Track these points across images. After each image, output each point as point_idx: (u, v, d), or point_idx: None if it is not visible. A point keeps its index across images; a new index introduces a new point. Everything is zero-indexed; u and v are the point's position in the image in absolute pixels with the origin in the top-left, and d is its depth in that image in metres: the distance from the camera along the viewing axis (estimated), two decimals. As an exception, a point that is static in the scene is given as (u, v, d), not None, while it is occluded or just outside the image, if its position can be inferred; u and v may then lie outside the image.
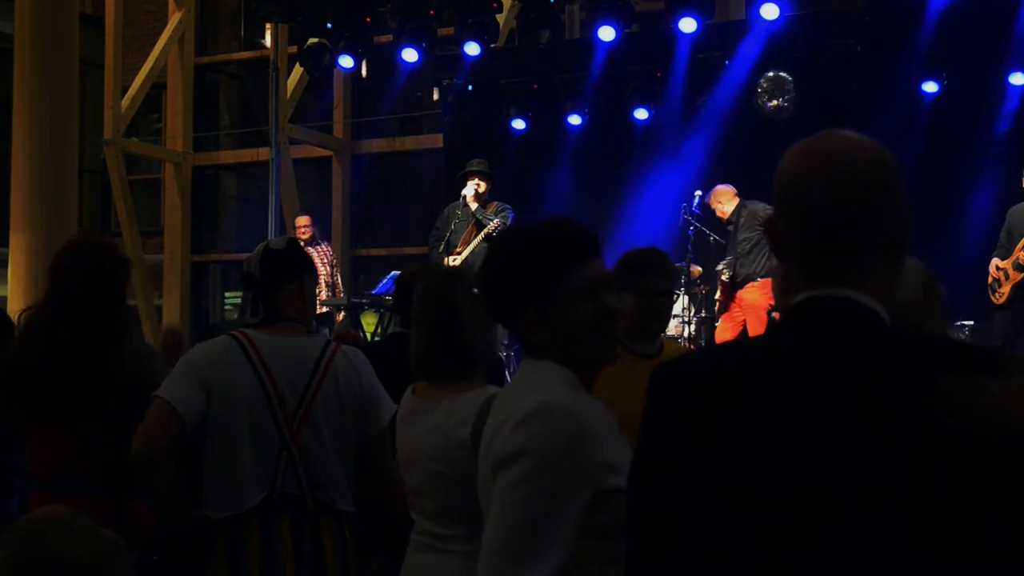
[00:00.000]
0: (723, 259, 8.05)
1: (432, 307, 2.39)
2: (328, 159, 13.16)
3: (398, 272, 4.87)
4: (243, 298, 2.83)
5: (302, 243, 9.18)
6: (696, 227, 8.16)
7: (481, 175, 7.86)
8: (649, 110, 9.20)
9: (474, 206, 7.77)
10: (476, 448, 2.00)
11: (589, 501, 1.61)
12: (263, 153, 11.55)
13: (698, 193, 8.22)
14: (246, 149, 13.89)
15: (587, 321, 1.72)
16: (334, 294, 9.20)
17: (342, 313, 9.10)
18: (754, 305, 7.76)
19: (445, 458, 2.27)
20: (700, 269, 8.33)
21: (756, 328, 7.65)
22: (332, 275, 9.40)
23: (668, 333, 8.43)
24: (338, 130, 13.12)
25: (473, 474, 1.81)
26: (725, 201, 8.04)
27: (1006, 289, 6.79)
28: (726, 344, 1.45)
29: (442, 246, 7.87)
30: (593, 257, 1.73)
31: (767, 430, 1.22)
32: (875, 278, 1.28)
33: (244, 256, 2.92)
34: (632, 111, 9.24)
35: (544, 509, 1.59)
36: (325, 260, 9.39)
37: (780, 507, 1.19)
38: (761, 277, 7.72)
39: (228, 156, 14.23)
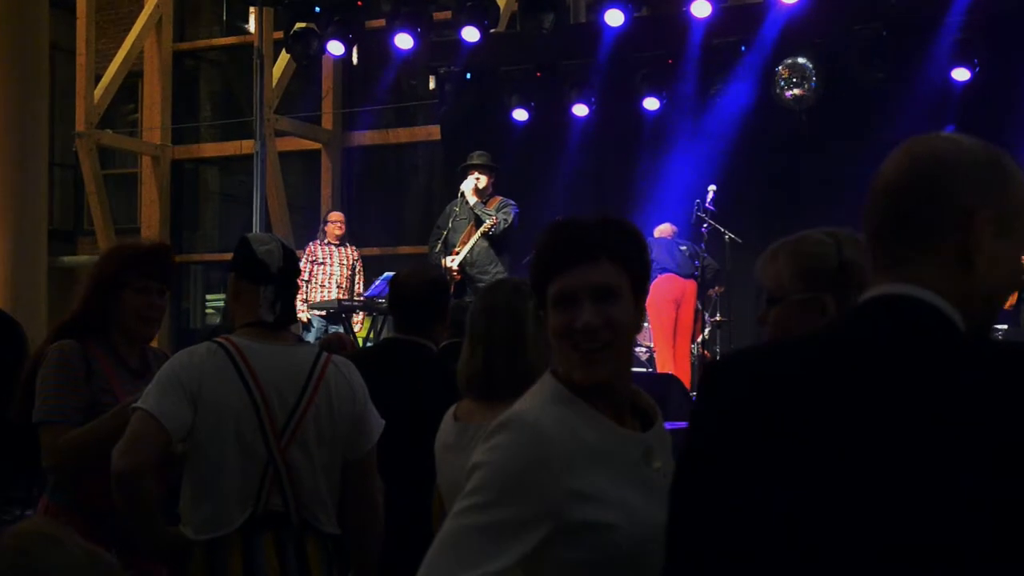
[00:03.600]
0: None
1: (496, 323, 2.42)
2: (317, 152, 13.16)
3: (392, 273, 4.87)
4: (235, 299, 2.81)
5: (333, 242, 9.51)
6: (710, 224, 8.16)
7: (482, 168, 7.85)
8: (660, 99, 9.20)
9: (473, 201, 7.76)
10: None
11: (551, 531, 1.59)
12: (247, 146, 11.55)
13: (712, 188, 8.24)
14: (229, 142, 13.89)
15: (553, 333, 1.73)
16: (351, 298, 9.23)
17: (360, 315, 9.15)
18: None
19: None
20: (719, 289, 8.38)
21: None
22: (351, 278, 9.44)
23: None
24: (327, 121, 13.11)
25: None
26: None
27: None
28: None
29: (439, 245, 7.86)
30: (583, 265, 1.70)
31: (830, 440, 1.22)
32: (948, 278, 1.29)
33: (227, 256, 2.91)
34: (641, 100, 9.23)
35: (485, 524, 1.58)
36: (346, 263, 9.50)
37: (840, 524, 1.19)
38: None
39: (209, 149, 14.24)
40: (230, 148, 13.78)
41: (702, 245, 8.16)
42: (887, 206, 1.34)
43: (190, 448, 2.65)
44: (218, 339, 2.74)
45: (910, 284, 1.29)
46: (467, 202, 7.81)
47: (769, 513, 1.21)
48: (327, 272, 9.44)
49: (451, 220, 7.89)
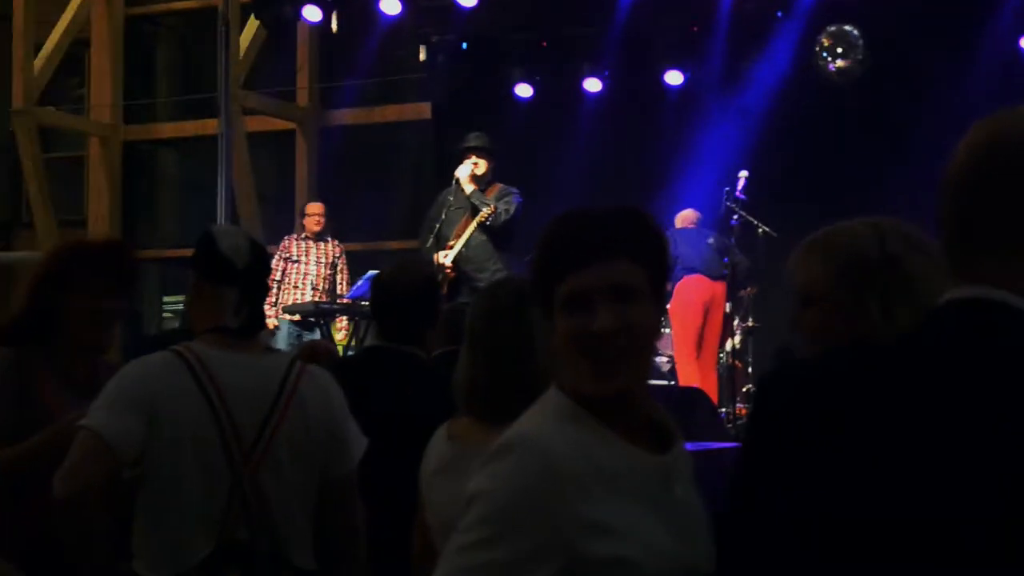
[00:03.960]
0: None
1: (501, 328, 2.44)
2: (291, 133, 13.17)
3: (376, 272, 4.87)
4: (196, 302, 2.82)
5: (311, 236, 9.51)
6: (741, 216, 8.16)
7: (480, 152, 7.86)
8: (684, 73, 9.21)
9: (469, 189, 7.78)
10: None
11: (562, 568, 1.59)
12: (210, 125, 11.54)
13: (743, 174, 8.24)
14: (189, 121, 13.90)
15: (562, 340, 1.73)
16: (332, 301, 9.24)
17: (343, 319, 9.17)
18: None
19: None
20: (752, 290, 8.37)
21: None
22: (331, 278, 9.46)
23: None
24: (302, 97, 13.13)
25: None
26: None
27: None
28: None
29: (431, 239, 7.88)
30: (599, 263, 1.71)
31: (897, 456, 1.26)
32: None
33: (187, 253, 2.92)
34: (663, 74, 9.25)
35: (487, 563, 1.58)
36: (324, 260, 9.53)
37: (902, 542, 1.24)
38: None
39: (167, 129, 14.25)
40: (191, 128, 13.78)
41: (732, 240, 8.17)
42: (961, 199, 1.35)
43: (143, 472, 2.65)
44: (176, 347, 2.74)
45: (990, 286, 1.31)
46: (462, 190, 7.83)
47: (821, 531, 1.27)
48: (301, 271, 9.45)
49: (444, 210, 7.90)
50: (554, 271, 1.73)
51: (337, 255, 9.67)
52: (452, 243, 7.80)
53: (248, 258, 2.78)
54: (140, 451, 2.61)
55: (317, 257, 9.50)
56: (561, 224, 1.77)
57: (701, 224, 8.65)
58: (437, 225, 7.90)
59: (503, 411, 2.37)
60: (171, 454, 2.64)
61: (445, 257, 7.73)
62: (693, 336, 8.30)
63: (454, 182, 7.92)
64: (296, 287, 9.40)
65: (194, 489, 2.65)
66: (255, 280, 2.82)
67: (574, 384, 1.72)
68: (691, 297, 8.22)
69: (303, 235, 9.59)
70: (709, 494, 1.82)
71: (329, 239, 9.67)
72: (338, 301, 9.25)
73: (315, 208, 9.76)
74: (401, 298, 3.59)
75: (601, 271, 1.70)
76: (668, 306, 8.22)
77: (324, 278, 9.47)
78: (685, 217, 8.69)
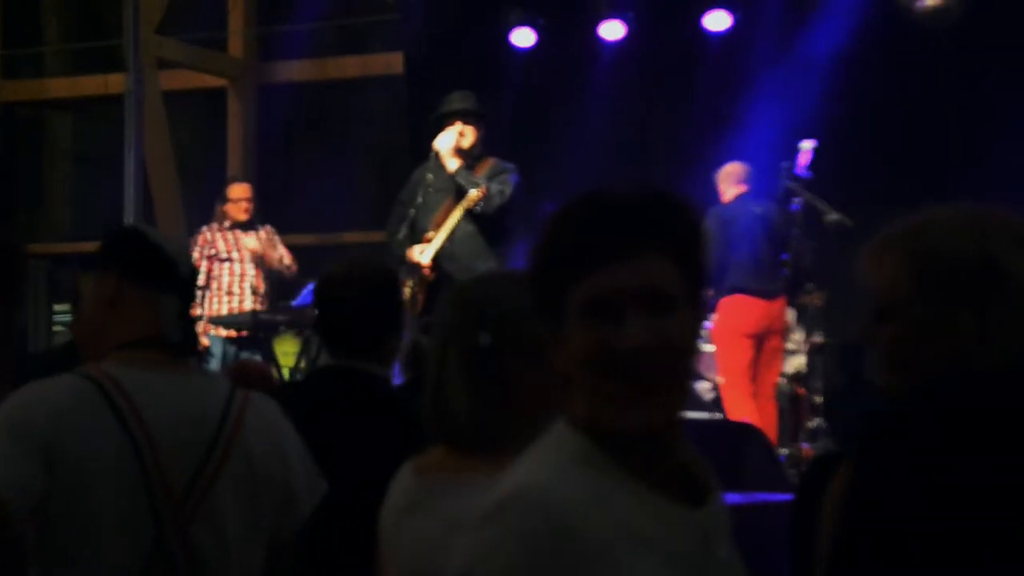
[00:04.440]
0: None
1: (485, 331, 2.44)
2: (220, 92, 13.20)
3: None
4: (109, 308, 2.84)
5: (235, 225, 9.43)
6: (804, 199, 8.18)
7: (467, 117, 7.89)
8: (731, 14, 9.24)
9: (454, 165, 7.80)
10: None
11: None
12: (115, 82, 11.55)
13: (807, 145, 8.22)
14: (87, 76, 13.90)
15: (580, 357, 1.72)
16: (275, 310, 9.28)
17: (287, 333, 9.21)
18: None
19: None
20: (817, 297, 8.40)
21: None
22: (272, 279, 9.52)
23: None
24: (235, 46, 13.16)
25: None
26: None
27: None
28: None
29: (403, 230, 7.91)
30: (625, 260, 1.72)
31: None
32: None
33: (84, 247, 2.97)
34: (703, 16, 9.28)
35: None
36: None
37: None
38: None
39: (59, 86, 14.26)
40: (89, 86, 13.78)
41: (793, 231, 8.16)
42: None
43: (41, 528, 2.66)
44: (85, 369, 2.76)
45: None
46: (444, 167, 7.86)
47: None
48: (236, 271, 9.44)
49: (421, 193, 7.91)
50: (566, 270, 1.73)
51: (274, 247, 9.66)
52: (431, 235, 7.80)
53: (189, 262, 2.87)
54: (36, 501, 2.62)
55: (252, 253, 9.53)
56: (576, 209, 1.77)
57: (753, 192, 8.52)
58: (412, 212, 7.91)
59: (483, 437, 2.41)
60: (77, 505, 2.66)
61: (422, 253, 7.74)
62: (744, 364, 8.29)
63: (432, 157, 7.94)
64: (230, 293, 9.38)
65: (106, 548, 2.67)
66: (191, 289, 2.90)
67: (592, 416, 1.72)
68: (740, 323, 8.19)
69: (225, 224, 9.58)
70: (758, 557, 1.84)
71: (260, 228, 9.67)
72: (282, 310, 9.28)
73: (241, 191, 9.73)
74: (352, 302, 3.63)
75: (629, 271, 1.70)
76: (710, 325, 8.25)
77: (260, 278, 9.47)
78: (729, 175, 8.53)
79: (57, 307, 14.27)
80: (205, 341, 9.06)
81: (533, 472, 1.70)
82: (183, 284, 2.86)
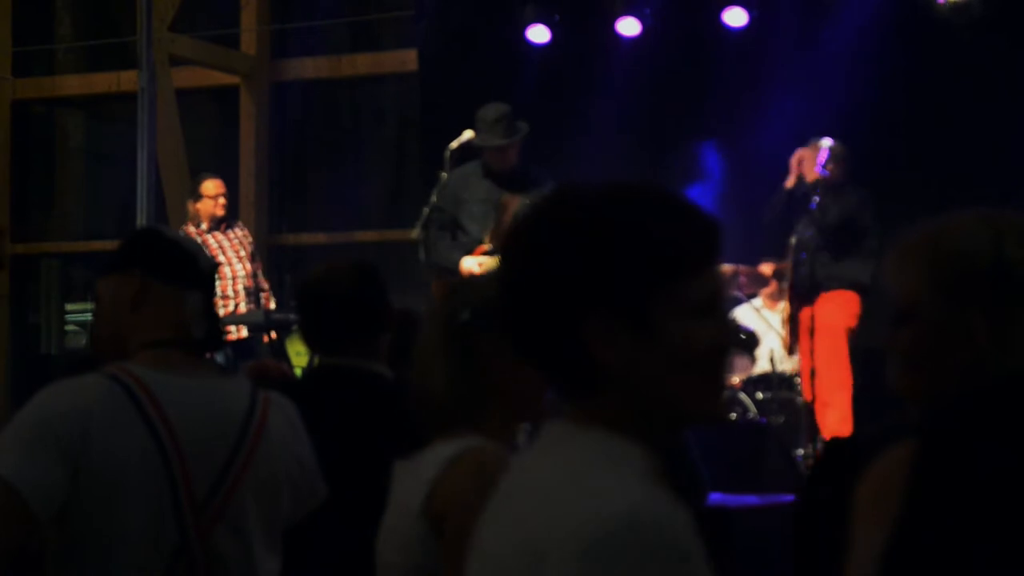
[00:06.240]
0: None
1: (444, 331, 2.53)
2: (234, 89, 13.19)
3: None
4: (134, 308, 2.85)
5: (209, 225, 9.36)
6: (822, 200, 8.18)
7: (507, 150, 7.74)
8: (748, 10, 9.23)
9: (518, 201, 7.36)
10: (433, 530, 2.39)
11: None
12: (127, 80, 11.59)
13: (825, 143, 8.22)
14: (100, 73, 13.91)
15: (698, 352, 1.74)
16: (258, 307, 9.30)
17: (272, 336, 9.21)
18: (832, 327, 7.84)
19: (401, 545, 2.49)
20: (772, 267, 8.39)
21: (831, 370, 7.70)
22: (253, 278, 9.52)
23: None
24: (248, 43, 13.16)
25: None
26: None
27: None
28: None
29: (444, 236, 7.80)
30: (715, 264, 1.79)
31: None
32: None
33: (97, 246, 3.01)
34: (722, 12, 9.28)
35: None
36: (243, 254, 9.54)
37: None
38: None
39: (71, 84, 14.25)
40: (101, 83, 13.80)
41: (809, 232, 8.13)
42: None
43: (65, 528, 2.68)
44: (111, 369, 2.77)
45: None
46: (483, 180, 7.80)
47: None
48: (227, 274, 9.37)
49: (457, 201, 7.86)
50: (664, 270, 1.74)
51: (251, 246, 9.69)
52: (487, 245, 7.67)
53: (207, 256, 2.91)
54: (62, 503, 2.64)
55: (236, 252, 9.49)
56: (660, 213, 1.77)
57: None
58: (461, 220, 7.81)
59: (460, 411, 2.51)
60: (101, 508, 2.67)
61: (479, 264, 7.58)
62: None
63: (478, 166, 7.85)
64: (224, 297, 9.31)
65: (130, 552, 2.69)
66: (212, 287, 2.93)
67: (692, 407, 1.75)
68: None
69: (203, 227, 9.51)
70: (773, 557, 1.87)
71: (235, 227, 9.70)
72: (291, 308, 9.28)
73: (216, 186, 9.69)
74: (335, 299, 3.69)
75: (721, 272, 1.83)
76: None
77: (246, 278, 9.46)
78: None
79: (69, 307, 14.27)
80: (232, 334, 9.00)
81: (628, 492, 1.65)
82: (205, 278, 2.90)
